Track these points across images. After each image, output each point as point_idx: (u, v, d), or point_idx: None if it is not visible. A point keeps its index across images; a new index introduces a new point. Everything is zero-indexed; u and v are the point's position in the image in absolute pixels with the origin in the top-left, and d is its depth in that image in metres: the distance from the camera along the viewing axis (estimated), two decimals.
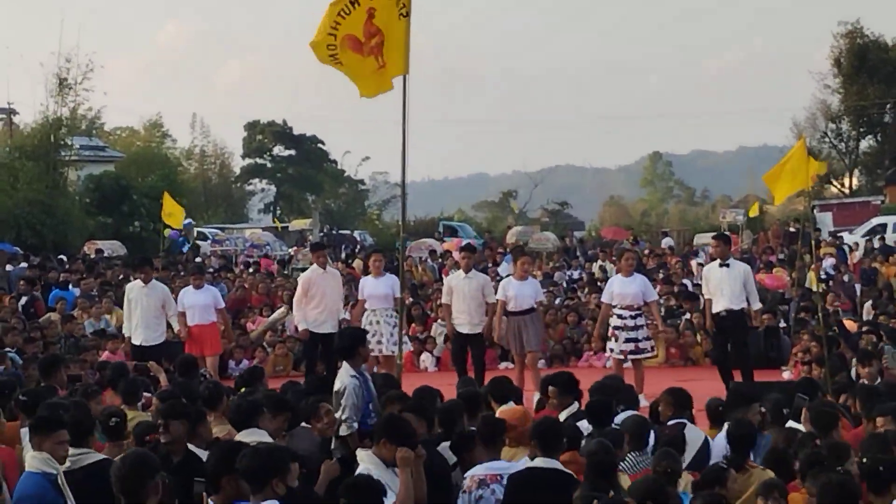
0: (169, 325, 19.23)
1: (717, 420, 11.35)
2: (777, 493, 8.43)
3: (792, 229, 40.36)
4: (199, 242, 49.24)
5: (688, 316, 23.93)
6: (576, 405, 11.49)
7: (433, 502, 8.91)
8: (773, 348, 21.49)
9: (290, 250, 47.22)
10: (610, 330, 17.83)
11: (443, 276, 30.34)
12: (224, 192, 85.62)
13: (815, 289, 22.90)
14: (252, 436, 9.59)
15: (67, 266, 32.24)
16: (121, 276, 29.59)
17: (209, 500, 8.18)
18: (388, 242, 50.22)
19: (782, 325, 22.87)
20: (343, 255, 42.74)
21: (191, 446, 9.52)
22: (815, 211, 44.94)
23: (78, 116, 51.22)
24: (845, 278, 29.14)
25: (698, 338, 22.84)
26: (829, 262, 31.82)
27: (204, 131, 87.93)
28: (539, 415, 11.40)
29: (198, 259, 39.86)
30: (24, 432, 10.63)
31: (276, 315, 24.54)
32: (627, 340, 17.54)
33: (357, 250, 47.09)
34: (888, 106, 65.11)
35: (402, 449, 8.74)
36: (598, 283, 28.00)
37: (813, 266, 25.66)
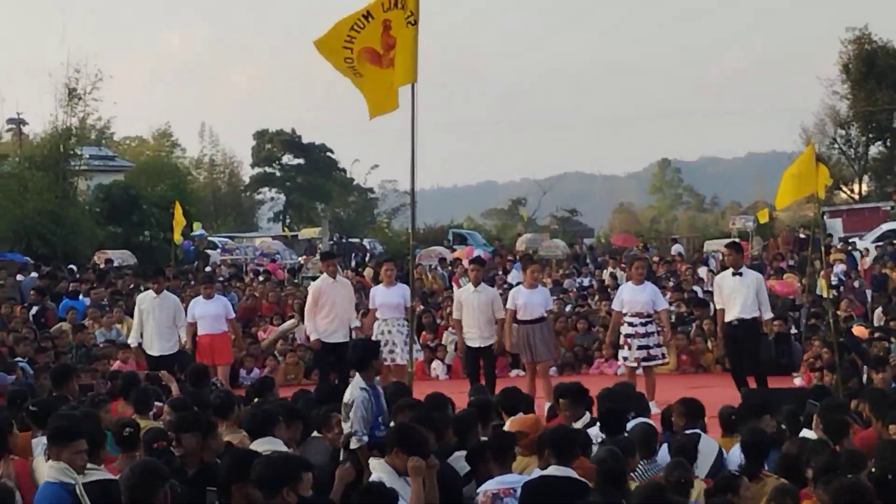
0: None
1: (729, 428, 11.33)
2: (790, 499, 8.41)
3: (802, 235, 40.30)
4: (208, 252, 49.27)
5: (698, 323, 23.89)
6: (588, 416, 11.46)
7: None
8: (784, 355, 21.45)
9: (299, 259, 47.27)
10: (621, 338, 17.82)
11: (453, 283, 30.34)
12: (233, 201, 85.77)
13: (825, 295, 22.86)
14: (267, 445, 9.60)
15: (78, 276, 32.28)
16: (131, 286, 29.64)
17: None
18: (397, 250, 50.29)
19: (793, 331, 22.83)
20: (353, 264, 42.78)
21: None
22: (824, 217, 44.82)
23: (87, 126, 51.34)
24: (856, 284, 29.09)
25: (709, 345, 22.80)
26: (839, 268, 31.77)
27: (213, 140, 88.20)
28: (551, 423, 11.39)
29: (207, 268, 39.90)
30: (36, 442, 10.65)
31: (286, 325, 24.53)
32: (640, 348, 17.53)
33: (367, 258, 47.14)
34: None
35: (413, 458, 8.73)
36: (609, 291, 28.00)
37: (823, 272, 25.61)
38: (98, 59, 69.71)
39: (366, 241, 61.33)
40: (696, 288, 29.40)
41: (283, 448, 9.65)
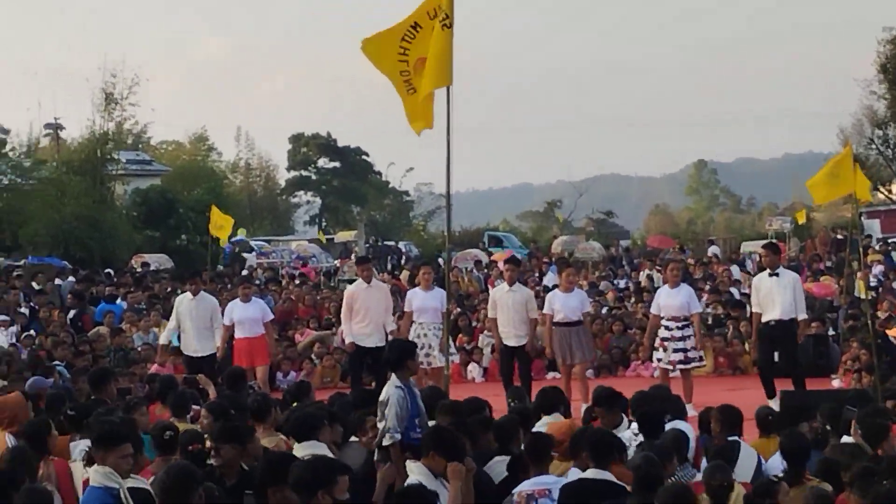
0: None
1: (767, 428, 11.27)
2: (825, 503, 8.35)
3: (839, 236, 40.08)
4: (244, 255, 49.42)
5: (735, 325, 23.76)
6: (625, 421, 11.40)
7: None
8: (823, 356, 21.34)
9: (335, 262, 47.36)
10: (657, 341, 17.76)
11: (488, 286, 30.30)
12: (269, 205, 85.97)
13: (863, 296, 22.76)
14: (311, 449, 9.60)
15: (115, 280, 32.45)
16: (168, 290, 29.77)
17: None
18: (433, 253, 50.27)
19: (831, 332, 22.71)
20: (388, 267, 42.80)
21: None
22: (862, 218, 44.55)
23: (124, 131, 51.53)
24: (894, 285, 28.90)
25: (746, 346, 22.65)
26: (877, 269, 31.58)
27: (249, 144, 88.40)
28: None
29: (244, 272, 40.00)
30: (74, 446, 10.71)
31: (323, 333, 24.61)
32: (676, 351, 17.46)
33: (402, 261, 47.17)
34: None
35: (453, 463, 8.74)
36: (644, 293, 27.92)
37: (861, 273, 25.46)
38: (135, 63, 70.07)
39: (401, 244, 61.37)
40: (732, 290, 29.27)
41: (327, 452, 9.66)
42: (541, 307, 18.51)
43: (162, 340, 19.89)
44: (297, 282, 34.74)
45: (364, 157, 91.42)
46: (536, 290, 24.20)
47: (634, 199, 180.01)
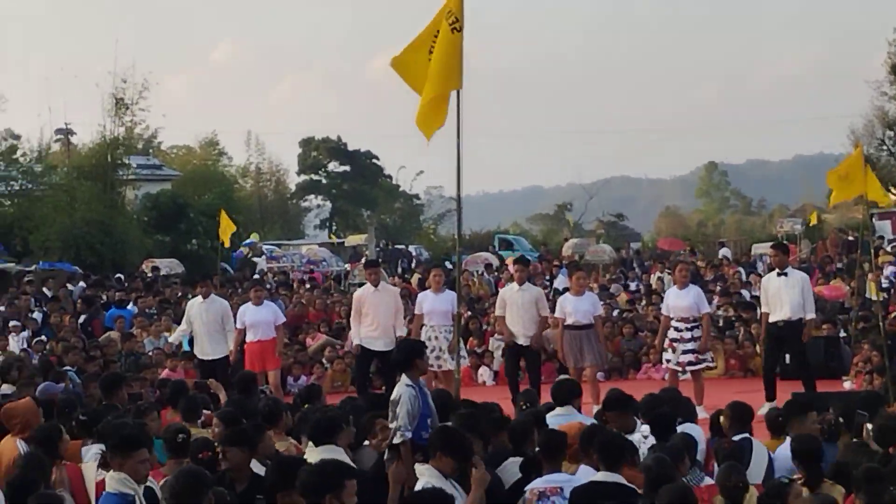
0: None
1: (777, 430, 11.26)
2: None
3: (850, 238, 40.00)
4: (255, 259, 49.45)
5: (747, 327, 23.74)
6: (637, 424, 11.36)
7: None
8: (834, 358, 21.31)
9: (346, 265, 47.38)
10: (667, 342, 17.75)
11: (499, 289, 30.33)
12: (280, 209, 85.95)
13: (874, 297, 22.73)
14: (328, 453, 9.59)
15: (126, 285, 32.49)
16: (179, 294, 29.81)
17: None
18: (440, 257, 50.27)
19: (842, 334, 22.67)
20: (399, 270, 42.81)
21: (253, 465, 9.56)
22: (873, 219, 44.47)
23: (134, 136, 51.56)
24: None
25: (757, 348, 22.64)
26: (889, 271, 31.52)
27: (259, 148, 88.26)
28: None
29: (255, 276, 40.04)
30: (86, 450, 10.73)
31: (332, 340, 24.64)
32: (685, 352, 17.45)
33: (413, 265, 47.18)
34: None
35: (478, 469, 8.81)
36: (654, 296, 27.94)
37: (872, 275, 25.42)
38: (145, 68, 70.34)
39: (412, 248, 61.40)
40: (743, 291, 29.24)
41: (344, 457, 9.67)
42: (551, 310, 18.51)
43: (171, 340, 19.96)
44: (307, 286, 34.77)
45: (374, 160, 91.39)
46: (546, 294, 24.16)
47: (645, 201, 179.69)
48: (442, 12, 13.49)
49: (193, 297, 20.46)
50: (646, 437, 10.70)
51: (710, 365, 18.34)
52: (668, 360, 17.76)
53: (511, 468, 9.75)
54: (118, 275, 37.26)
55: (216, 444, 10.10)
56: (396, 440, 9.84)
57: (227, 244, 33.83)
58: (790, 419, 10.91)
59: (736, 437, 10.67)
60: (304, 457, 9.76)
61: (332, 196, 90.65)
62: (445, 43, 13.43)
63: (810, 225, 50.18)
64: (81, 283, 32.19)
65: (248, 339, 19.26)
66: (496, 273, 37.16)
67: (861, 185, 16.87)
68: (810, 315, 17.38)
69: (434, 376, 17.29)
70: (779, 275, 17.34)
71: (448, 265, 24.94)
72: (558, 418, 11.50)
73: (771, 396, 16.53)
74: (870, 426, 10.63)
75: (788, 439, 10.24)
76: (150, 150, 64.22)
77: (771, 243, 22.17)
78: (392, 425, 9.97)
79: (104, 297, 28.88)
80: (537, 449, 9.87)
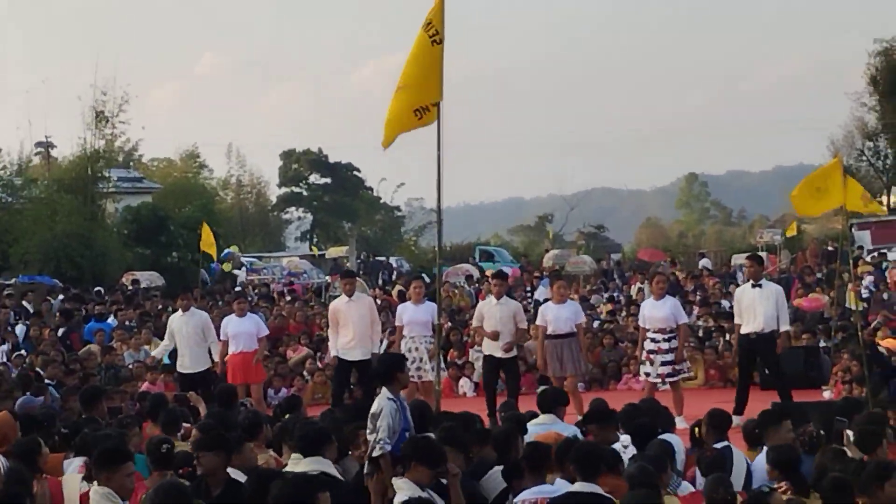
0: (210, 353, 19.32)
1: (754, 442, 11.29)
2: None
3: (830, 248, 40.13)
4: (235, 272, 49.38)
5: (727, 337, 23.78)
6: (620, 437, 11.36)
7: None
8: (813, 368, 21.38)
9: (326, 278, 47.35)
10: (644, 354, 17.76)
11: (479, 300, 30.36)
12: (261, 221, 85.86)
13: (854, 307, 22.81)
14: (315, 465, 9.60)
15: (106, 298, 32.40)
16: (159, 307, 29.75)
17: None
18: (424, 268, 50.28)
19: (822, 344, 22.73)
20: (380, 282, 42.80)
21: (232, 472, 9.54)
22: (853, 229, 44.64)
23: (115, 148, 51.45)
24: (885, 296, 28.93)
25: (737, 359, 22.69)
26: (868, 280, 31.62)
27: (240, 161, 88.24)
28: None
29: (237, 288, 39.99)
30: (68, 463, 10.72)
31: (303, 355, 24.62)
32: (664, 364, 17.45)
33: (394, 277, 47.18)
34: None
35: (450, 465, 8.93)
36: (633, 306, 27.97)
37: (852, 285, 25.50)
38: (126, 81, 69.81)
39: (393, 260, 61.38)
40: (723, 302, 29.31)
41: (331, 469, 9.69)
42: (532, 320, 18.51)
43: (154, 354, 19.96)
44: (288, 298, 34.73)
45: (355, 172, 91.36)
46: (526, 305, 24.20)
47: (625, 212, 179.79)
48: (423, 26, 13.50)
49: (174, 311, 20.42)
50: (626, 448, 10.71)
51: (687, 375, 18.36)
52: (647, 374, 17.77)
53: (495, 477, 9.76)
54: (98, 288, 37.17)
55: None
56: (376, 453, 9.85)
57: (214, 258, 33.73)
58: (766, 429, 10.94)
59: (717, 445, 10.71)
60: (290, 468, 9.78)
61: (312, 208, 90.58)
62: (425, 55, 13.43)
63: (789, 235, 50.30)
64: (61, 297, 32.08)
65: (230, 351, 19.20)
66: (477, 285, 37.17)
67: (839, 197, 16.86)
68: (784, 327, 17.40)
69: (415, 387, 17.29)
70: (753, 286, 17.38)
71: (427, 278, 24.91)
72: (539, 427, 11.53)
73: (739, 411, 16.41)
74: (850, 432, 10.68)
75: (765, 449, 10.27)
76: (131, 163, 64.15)
77: (747, 254, 22.22)
78: (371, 437, 9.98)
79: (84, 311, 28.81)
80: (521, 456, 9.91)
